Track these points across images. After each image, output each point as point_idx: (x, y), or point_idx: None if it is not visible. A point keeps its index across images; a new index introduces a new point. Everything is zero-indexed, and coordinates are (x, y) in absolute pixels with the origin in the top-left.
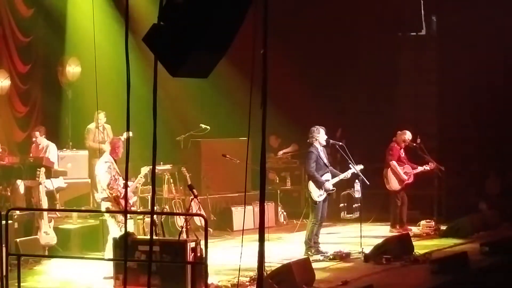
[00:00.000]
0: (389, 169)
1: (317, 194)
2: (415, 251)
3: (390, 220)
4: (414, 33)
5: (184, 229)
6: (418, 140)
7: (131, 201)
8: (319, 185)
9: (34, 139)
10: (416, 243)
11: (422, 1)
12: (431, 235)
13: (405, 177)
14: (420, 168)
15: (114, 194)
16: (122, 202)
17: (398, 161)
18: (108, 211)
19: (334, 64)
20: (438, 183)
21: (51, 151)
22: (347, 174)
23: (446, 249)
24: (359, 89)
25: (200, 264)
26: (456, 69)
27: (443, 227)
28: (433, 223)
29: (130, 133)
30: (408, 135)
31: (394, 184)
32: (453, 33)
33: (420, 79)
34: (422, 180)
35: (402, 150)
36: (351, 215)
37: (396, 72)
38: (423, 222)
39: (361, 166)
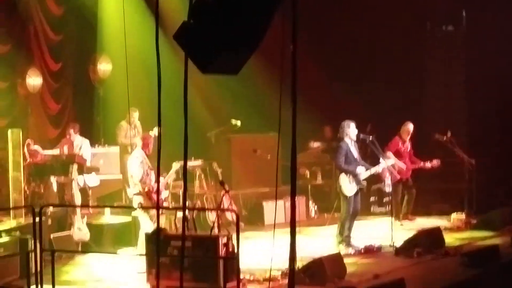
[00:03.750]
0: None
1: (348, 188)
2: (446, 244)
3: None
4: (444, 28)
5: (215, 224)
6: (449, 134)
7: (162, 196)
8: (352, 175)
9: (68, 136)
10: (447, 236)
11: None
12: (462, 228)
13: (402, 165)
14: (420, 164)
15: (146, 189)
16: (154, 197)
17: (397, 153)
18: (140, 206)
19: (364, 59)
20: (469, 177)
21: (85, 148)
22: (378, 168)
23: (477, 242)
24: (389, 84)
25: (232, 259)
26: (486, 64)
27: (474, 221)
28: (464, 216)
29: (156, 130)
30: (409, 126)
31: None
32: (482, 28)
33: (450, 75)
34: (453, 174)
35: (405, 143)
36: (381, 209)
37: (426, 67)
38: (454, 216)
39: (392, 161)
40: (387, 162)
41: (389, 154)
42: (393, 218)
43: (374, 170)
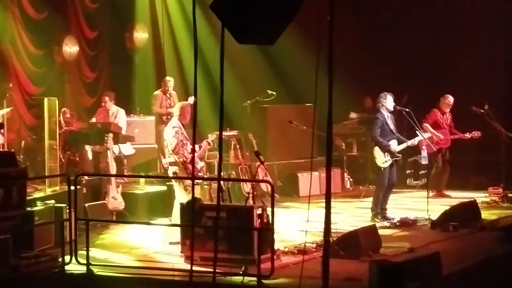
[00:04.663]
0: None
1: (382, 161)
2: (482, 218)
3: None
4: None
5: (250, 195)
6: (486, 107)
7: (198, 167)
8: (384, 150)
9: (103, 104)
10: (483, 210)
11: None
12: (499, 202)
13: (439, 136)
14: (459, 135)
15: (180, 159)
16: (189, 167)
17: (435, 125)
18: (175, 177)
19: (401, 30)
20: (506, 150)
21: (120, 117)
22: (414, 141)
23: None
24: (425, 55)
25: (267, 230)
26: None
27: (511, 194)
28: (501, 190)
29: (193, 98)
30: (449, 99)
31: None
32: None
33: (488, 46)
34: (490, 147)
35: (444, 115)
36: (417, 181)
37: (463, 38)
38: (490, 189)
39: (428, 134)
40: (424, 135)
41: (426, 126)
42: (429, 191)
43: (410, 143)
